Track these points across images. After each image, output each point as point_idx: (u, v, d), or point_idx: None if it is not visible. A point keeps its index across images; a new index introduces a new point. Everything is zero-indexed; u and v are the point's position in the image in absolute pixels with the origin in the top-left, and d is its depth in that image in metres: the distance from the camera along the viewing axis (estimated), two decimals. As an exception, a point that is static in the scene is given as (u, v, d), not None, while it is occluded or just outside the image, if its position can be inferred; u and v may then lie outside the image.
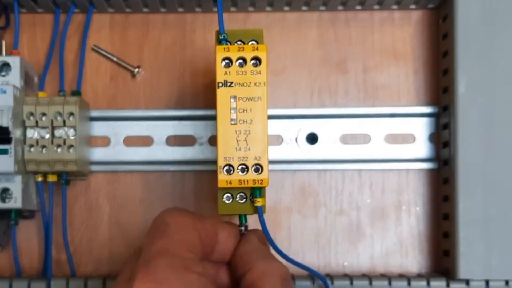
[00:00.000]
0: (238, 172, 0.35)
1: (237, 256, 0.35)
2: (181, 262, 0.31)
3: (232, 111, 0.35)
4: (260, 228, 0.37)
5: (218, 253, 0.35)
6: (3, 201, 0.43)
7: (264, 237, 0.37)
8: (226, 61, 0.36)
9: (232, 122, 0.35)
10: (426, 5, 0.48)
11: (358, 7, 0.48)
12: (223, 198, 0.37)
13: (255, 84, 0.35)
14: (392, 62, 0.49)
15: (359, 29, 0.49)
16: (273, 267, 0.33)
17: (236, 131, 0.35)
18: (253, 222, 0.38)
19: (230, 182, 0.36)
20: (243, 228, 0.37)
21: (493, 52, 0.44)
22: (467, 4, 0.44)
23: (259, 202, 0.36)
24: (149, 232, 0.33)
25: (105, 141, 0.49)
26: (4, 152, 0.42)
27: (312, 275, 0.43)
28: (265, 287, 0.32)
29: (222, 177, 0.35)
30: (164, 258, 0.31)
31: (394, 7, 0.48)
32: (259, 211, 0.37)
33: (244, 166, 0.36)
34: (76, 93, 0.47)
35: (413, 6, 0.48)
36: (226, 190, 0.37)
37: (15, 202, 0.43)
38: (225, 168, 0.36)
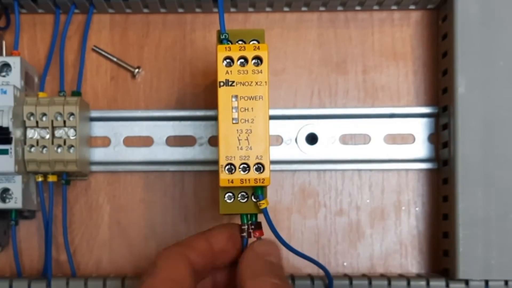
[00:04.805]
0: (239, 171, 0.35)
1: (239, 268, 0.35)
2: None
3: (234, 110, 0.35)
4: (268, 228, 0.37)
5: (220, 261, 0.36)
6: (4, 201, 0.43)
7: (272, 248, 0.37)
8: (228, 60, 0.36)
9: (234, 121, 0.35)
10: (425, 5, 0.48)
11: (358, 8, 0.48)
12: (224, 197, 0.37)
13: (256, 83, 0.35)
14: (392, 62, 0.49)
15: (358, 30, 0.49)
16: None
17: (237, 130, 0.35)
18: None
19: (232, 181, 0.35)
20: (245, 227, 0.37)
21: (492, 53, 0.44)
22: (466, 4, 0.44)
23: (263, 204, 0.36)
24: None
25: (105, 142, 0.49)
26: (5, 152, 0.42)
27: (312, 275, 0.44)
28: None
29: (224, 176, 0.35)
30: None
31: (394, 7, 0.48)
32: (265, 213, 0.37)
33: (245, 165, 0.36)
34: (76, 93, 0.47)
35: (412, 7, 0.48)
36: (227, 189, 0.37)
37: (15, 202, 0.43)
38: (227, 167, 0.36)
